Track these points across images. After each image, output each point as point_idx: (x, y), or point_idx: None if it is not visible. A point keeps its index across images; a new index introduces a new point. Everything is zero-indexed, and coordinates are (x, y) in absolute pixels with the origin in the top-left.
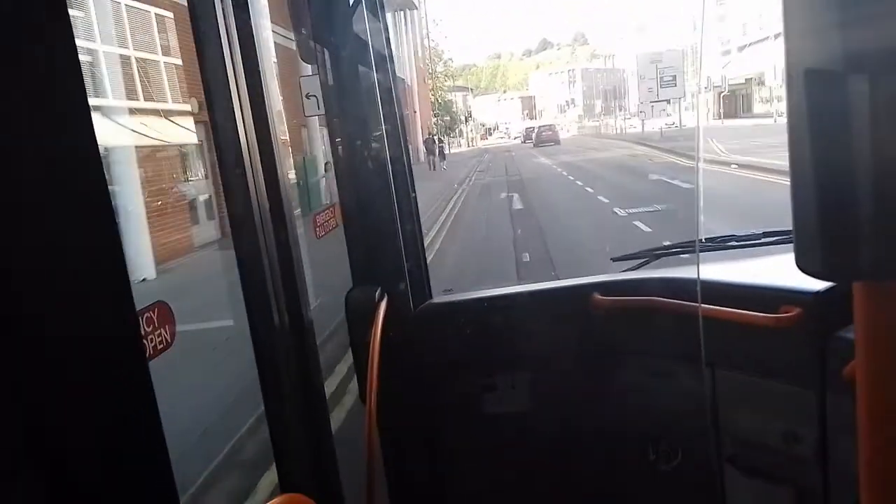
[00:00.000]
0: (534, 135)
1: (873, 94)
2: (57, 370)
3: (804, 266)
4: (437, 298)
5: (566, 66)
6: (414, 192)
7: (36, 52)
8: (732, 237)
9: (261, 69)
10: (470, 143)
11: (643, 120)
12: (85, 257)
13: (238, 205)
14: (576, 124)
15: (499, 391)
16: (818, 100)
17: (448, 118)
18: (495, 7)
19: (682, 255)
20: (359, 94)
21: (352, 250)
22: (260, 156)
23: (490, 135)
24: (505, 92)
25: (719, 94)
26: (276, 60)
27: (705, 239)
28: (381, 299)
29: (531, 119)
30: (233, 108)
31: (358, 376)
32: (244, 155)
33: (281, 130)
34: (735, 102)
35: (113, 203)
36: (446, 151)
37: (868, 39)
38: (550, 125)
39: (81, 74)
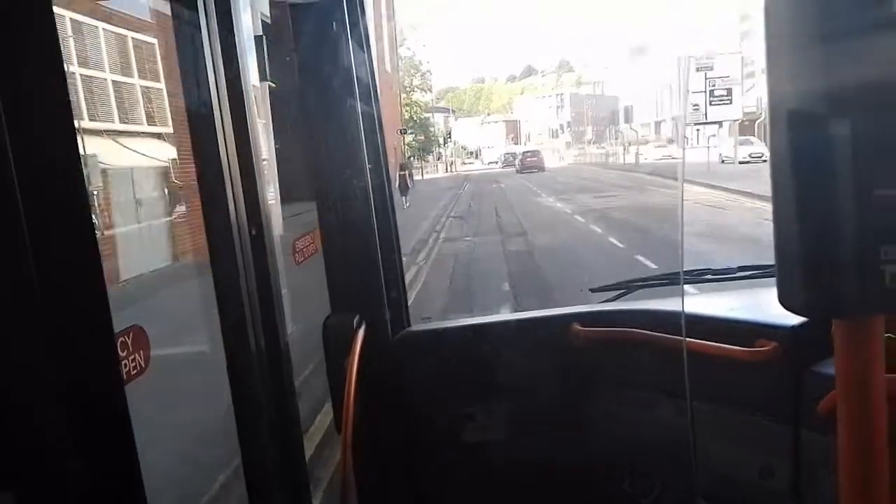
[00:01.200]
0: (517, 161)
1: (854, 135)
2: (32, 388)
3: (786, 302)
4: (416, 326)
5: (553, 91)
6: (395, 218)
7: (22, 63)
8: (709, 270)
9: (244, 91)
10: (448, 168)
11: (684, 147)
12: (65, 273)
13: (218, 228)
14: (571, 150)
15: (477, 420)
16: (800, 141)
17: (422, 138)
18: (479, 32)
19: (658, 287)
20: (342, 122)
21: (331, 276)
22: (241, 178)
23: (475, 158)
24: (489, 115)
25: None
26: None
27: (683, 272)
28: (359, 326)
29: (515, 143)
30: (214, 128)
31: (333, 405)
32: (225, 176)
33: (263, 151)
34: (752, 132)
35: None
36: (415, 178)
37: (849, 82)
38: (535, 151)
39: (67, 90)
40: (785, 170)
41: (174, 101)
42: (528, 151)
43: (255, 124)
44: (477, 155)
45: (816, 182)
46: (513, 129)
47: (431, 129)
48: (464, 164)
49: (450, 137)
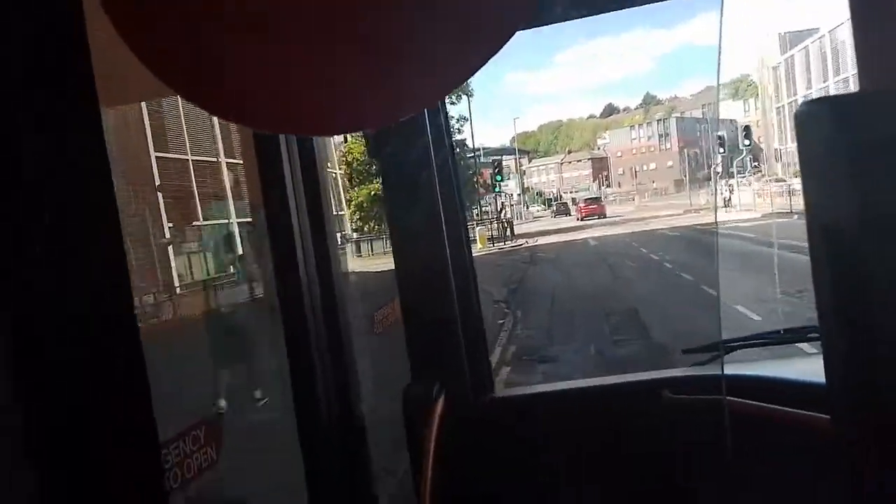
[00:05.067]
0: (576, 208)
1: (890, 252)
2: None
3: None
4: (500, 392)
5: (647, 119)
6: (475, 280)
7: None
8: (813, 328)
9: (318, 166)
10: (504, 229)
11: (716, 193)
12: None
13: (291, 301)
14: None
15: (562, 494)
16: (837, 255)
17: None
18: (557, 77)
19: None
20: (419, 189)
21: (411, 344)
22: (315, 253)
23: (555, 208)
24: (569, 153)
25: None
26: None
27: (784, 330)
28: (439, 395)
29: (606, 185)
30: (287, 199)
31: (413, 476)
32: (297, 249)
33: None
34: None
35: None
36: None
37: (881, 201)
38: (596, 198)
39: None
40: (825, 281)
41: None
42: (589, 199)
43: (326, 195)
44: (552, 203)
45: (858, 294)
46: (600, 167)
47: (471, 172)
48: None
49: (499, 176)
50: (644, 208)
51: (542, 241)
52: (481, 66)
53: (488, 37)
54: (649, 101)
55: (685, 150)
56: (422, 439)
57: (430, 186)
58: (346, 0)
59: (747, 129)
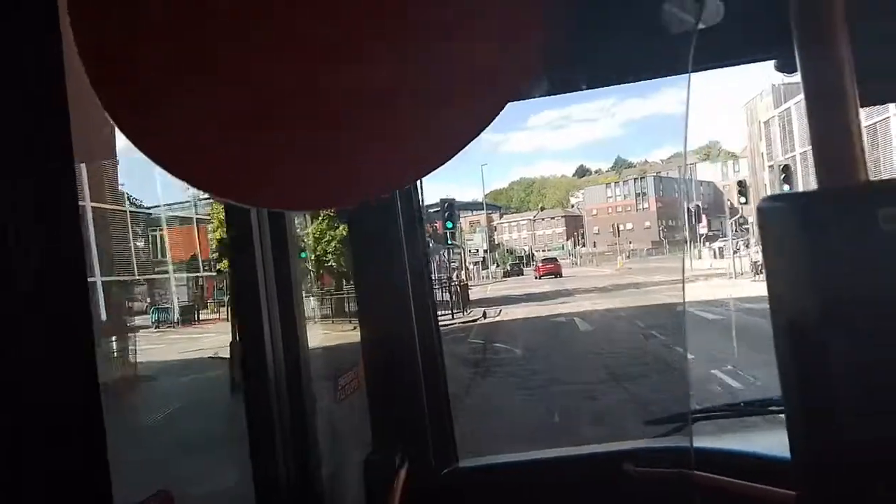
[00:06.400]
0: (538, 265)
1: (852, 346)
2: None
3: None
4: (464, 462)
5: (622, 178)
6: (440, 344)
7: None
8: (773, 401)
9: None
10: (455, 296)
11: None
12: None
13: (255, 360)
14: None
15: None
16: (803, 347)
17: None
18: (530, 139)
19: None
20: (386, 253)
21: (373, 411)
22: (280, 319)
23: (522, 267)
24: (542, 209)
25: None
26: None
27: (744, 403)
28: (401, 465)
29: (581, 245)
30: (255, 262)
31: None
32: (262, 311)
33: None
34: None
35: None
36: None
37: (844, 295)
38: (552, 258)
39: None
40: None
41: None
42: (546, 259)
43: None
44: (525, 263)
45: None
46: (574, 225)
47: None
48: (506, 274)
49: (450, 223)
50: (628, 272)
51: (507, 312)
52: (464, 146)
53: (474, 115)
54: (621, 164)
55: (663, 210)
56: None
57: (398, 251)
58: (326, 76)
59: (741, 184)
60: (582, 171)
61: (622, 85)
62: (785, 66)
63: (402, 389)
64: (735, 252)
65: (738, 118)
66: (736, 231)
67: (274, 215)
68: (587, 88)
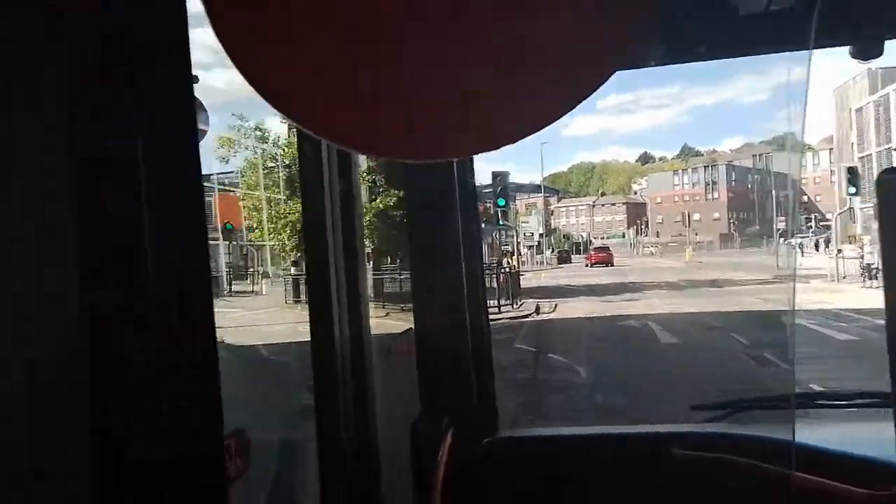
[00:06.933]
0: (590, 253)
1: None
2: None
3: None
4: (505, 432)
5: (689, 165)
6: (488, 319)
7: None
8: (823, 394)
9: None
10: (504, 285)
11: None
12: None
13: (321, 327)
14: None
15: None
16: None
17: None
18: (593, 123)
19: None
20: (443, 224)
21: (421, 378)
22: (346, 284)
23: (567, 258)
24: (602, 195)
25: None
26: None
27: (795, 395)
28: (447, 430)
29: (643, 234)
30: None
31: None
32: (331, 277)
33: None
34: None
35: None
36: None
37: None
38: (605, 246)
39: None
40: None
41: None
42: (598, 247)
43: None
44: (575, 252)
45: None
46: (637, 213)
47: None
48: (559, 261)
49: (502, 199)
50: (699, 265)
51: (563, 307)
52: (572, 107)
53: (582, 79)
54: (687, 152)
55: (734, 201)
56: (427, 475)
57: (453, 221)
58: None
59: (852, 171)
60: (645, 158)
61: (691, 72)
62: (862, 53)
63: (450, 358)
64: (826, 248)
65: (821, 107)
66: (815, 228)
67: (345, 195)
68: (656, 65)
